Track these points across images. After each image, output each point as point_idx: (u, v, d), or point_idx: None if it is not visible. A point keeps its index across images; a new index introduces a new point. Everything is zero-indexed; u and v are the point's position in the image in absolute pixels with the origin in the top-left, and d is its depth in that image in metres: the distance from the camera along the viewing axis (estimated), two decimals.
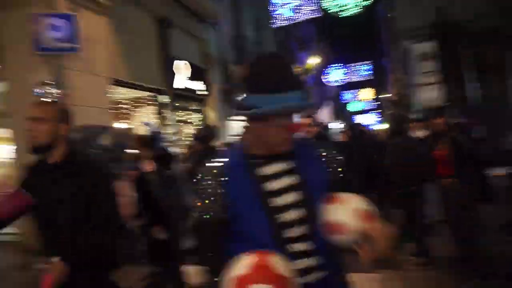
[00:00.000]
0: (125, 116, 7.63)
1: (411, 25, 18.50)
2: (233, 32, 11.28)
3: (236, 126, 10.17)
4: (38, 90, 4.74)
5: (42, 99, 1.93)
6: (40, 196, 1.64)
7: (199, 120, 9.29)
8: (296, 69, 18.17)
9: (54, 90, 6.10)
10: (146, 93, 7.59)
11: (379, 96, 36.46)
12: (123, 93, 7.01)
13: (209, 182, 1.22)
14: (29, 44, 4.95)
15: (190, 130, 8.60)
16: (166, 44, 7.54)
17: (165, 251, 3.33)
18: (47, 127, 1.63)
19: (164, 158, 3.59)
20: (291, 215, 1.17)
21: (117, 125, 6.82)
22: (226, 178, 1.20)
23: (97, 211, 1.59)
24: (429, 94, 10.63)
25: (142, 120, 7.78)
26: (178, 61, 8.04)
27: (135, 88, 7.15)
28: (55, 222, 1.60)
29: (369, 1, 10.38)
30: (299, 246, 1.16)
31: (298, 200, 1.18)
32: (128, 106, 7.59)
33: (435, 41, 11.98)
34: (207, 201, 1.21)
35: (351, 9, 10.53)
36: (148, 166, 3.37)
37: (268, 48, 14.68)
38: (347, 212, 1.10)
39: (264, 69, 1.14)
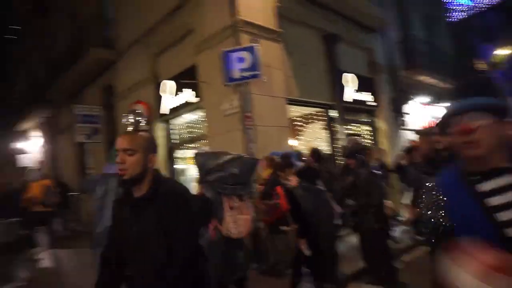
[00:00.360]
0: (298, 133, 8.04)
1: None
2: (400, 36, 10.53)
3: (409, 135, 9.34)
4: (124, 119, 5.27)
5: (129, 129, 1.73)
6: (127, 231, 1.58)
7: (370, 132, 8.95)
8: (481, 65, 15.47)
9: (138, 118, 6.94)
10: (316, 109, 7.83)
11: None
12: (296, 111, 7.43)
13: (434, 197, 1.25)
14: (220, 77, 5.84)
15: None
16: (333, 58, 7.64)
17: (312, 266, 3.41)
18: (137, 159, 1.52)
19: (306, 174, 3.77)
20: None
21: (291, 141, 7.25)
22: (445, 199, 1.21)
23: (175, 240, 1.50)
24: None
25: (310, 138, 8.05)
26: (346, 73, 8.01)
27: (307, 105, 7.48)
28: (141, 256, 1.55)
29: None
30: None
31: None
32: (300, 123, 7.97)
33: None
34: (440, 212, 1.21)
35: None
36: (293, 181, 3.59)
37: (442, 46, 13.05)
38: None
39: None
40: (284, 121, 6.17)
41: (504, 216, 1.10)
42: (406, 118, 9.72)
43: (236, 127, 5.70)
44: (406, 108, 9.78)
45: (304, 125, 8.41)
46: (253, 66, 5.59)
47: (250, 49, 5.66)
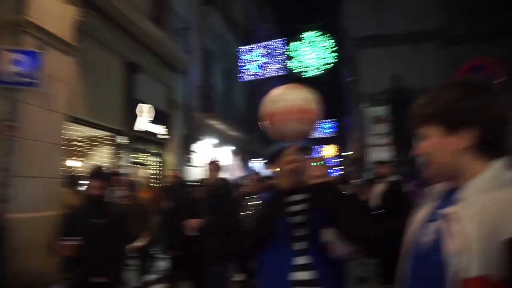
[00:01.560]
0: (81, 154, 7.56)
1: (370, 90, 20.10)
2: (201, 81, 11.76)
3: (195, 171, 10.25)
4: None
5: None
6: None
7: (158, 163, 9.32)
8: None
9: None
10: (105, 133, 7.63)
11: (342, 154, 38.02)
12: (81, 131, 7.02)
13: None
14: None
15: (147, 172, 8.61)
16: (131, 87, 7.77)
17: None
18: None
19: None
20: None
21: (70, 162, 6.77)
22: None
23: None
24: (380, 154, 11.32)
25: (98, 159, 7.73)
26: (142, 104, 8.24)
27: (94, 127, 7.20)
28: None
29: (330, 65, 11.29)
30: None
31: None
32: (85, 145, 7.55)
33: (389, 106, 13.04)
34: None
35: (313, 71, 11.39)
36: None
37: (236, 99, 15.26)
38: None
39: None
40: (58, 139, 5.72)
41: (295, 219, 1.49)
42: (193, 156, 10.66)
43: None
44: (195, 146, 10.74)
45: (91, 147, 8.01)
46: (32, 73, 5.07)
47: (31, 54, 5.14)
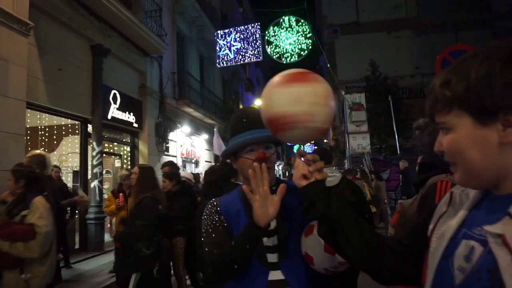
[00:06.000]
0: (45, 144, 7.05)
1: (347, 77, 20.14)
2: (175, 67, 11.26)
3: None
4: None
5: None
6: None
7: (129, 153, 8.87)
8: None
9: None
10: (72, 121, 7.13)
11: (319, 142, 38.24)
12: (44, 120, 6.52)
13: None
14: None
15: (118, 162, 8.17)
16: (99, 71, 7.25)
17: None
18: None
19: None
20: None
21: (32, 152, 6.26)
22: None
23: None
24: (359, 142, 11.30)
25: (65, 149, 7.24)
26: (112, 90, 7.75)
27: (59, 115, 6.69)
28: None
29: (306, 52, 11.06)
30: None
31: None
32: (49, 134, 7.03)
33: (366, 93, 13.05)
34: None
35: (290, 57, 11.14)
36: None
37: (212, 86, 14.82)
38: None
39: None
40: (20, 128, 5.21)
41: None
42: (169, 144, 10.24)
43: None
44: (170, 135, 10.32)
45: (57, 136, 7.49)
46: None
47: None
